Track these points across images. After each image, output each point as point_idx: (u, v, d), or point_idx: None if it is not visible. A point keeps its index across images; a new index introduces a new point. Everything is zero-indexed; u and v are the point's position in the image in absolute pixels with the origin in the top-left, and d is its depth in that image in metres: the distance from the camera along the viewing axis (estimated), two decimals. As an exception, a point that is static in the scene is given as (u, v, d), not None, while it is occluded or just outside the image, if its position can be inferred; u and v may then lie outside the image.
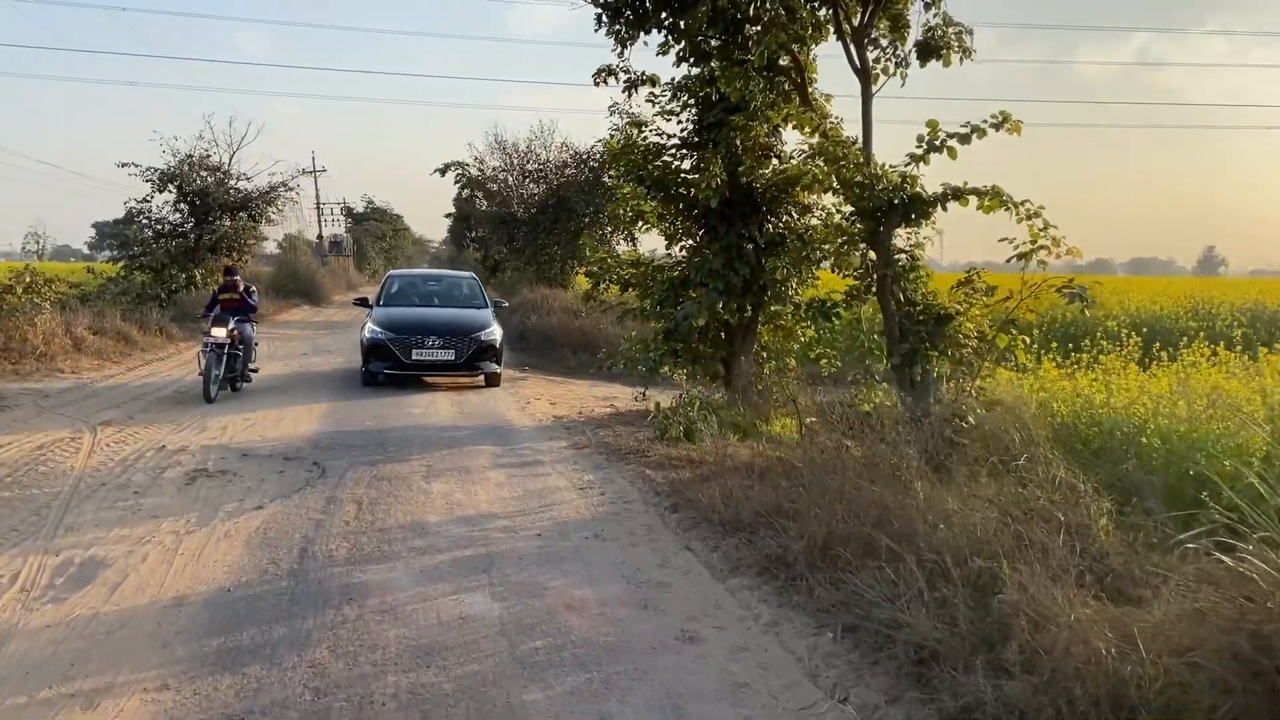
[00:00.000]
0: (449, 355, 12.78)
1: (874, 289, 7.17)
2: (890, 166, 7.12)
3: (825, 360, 11.23)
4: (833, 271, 10.93)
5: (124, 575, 5.02)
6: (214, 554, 5.40)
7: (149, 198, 23.90)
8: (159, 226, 24.06)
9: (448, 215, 38.40)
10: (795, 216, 10.89)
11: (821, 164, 8.16)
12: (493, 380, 13.32)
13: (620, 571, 5.25)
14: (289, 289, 34.27)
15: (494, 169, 30.81)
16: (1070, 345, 9.19)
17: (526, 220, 28.09)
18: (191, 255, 24.41)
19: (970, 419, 6.39)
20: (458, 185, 32.91)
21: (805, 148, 9.47)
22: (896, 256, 7.47)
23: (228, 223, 24.75)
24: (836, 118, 8.77)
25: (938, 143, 6.83)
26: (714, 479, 6.87)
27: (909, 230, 7.45)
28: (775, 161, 10.43)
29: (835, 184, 8.13)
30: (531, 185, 29.05)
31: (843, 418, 8.38)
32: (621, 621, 4.47)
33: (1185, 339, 9.05)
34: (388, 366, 12.69)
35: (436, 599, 4.72)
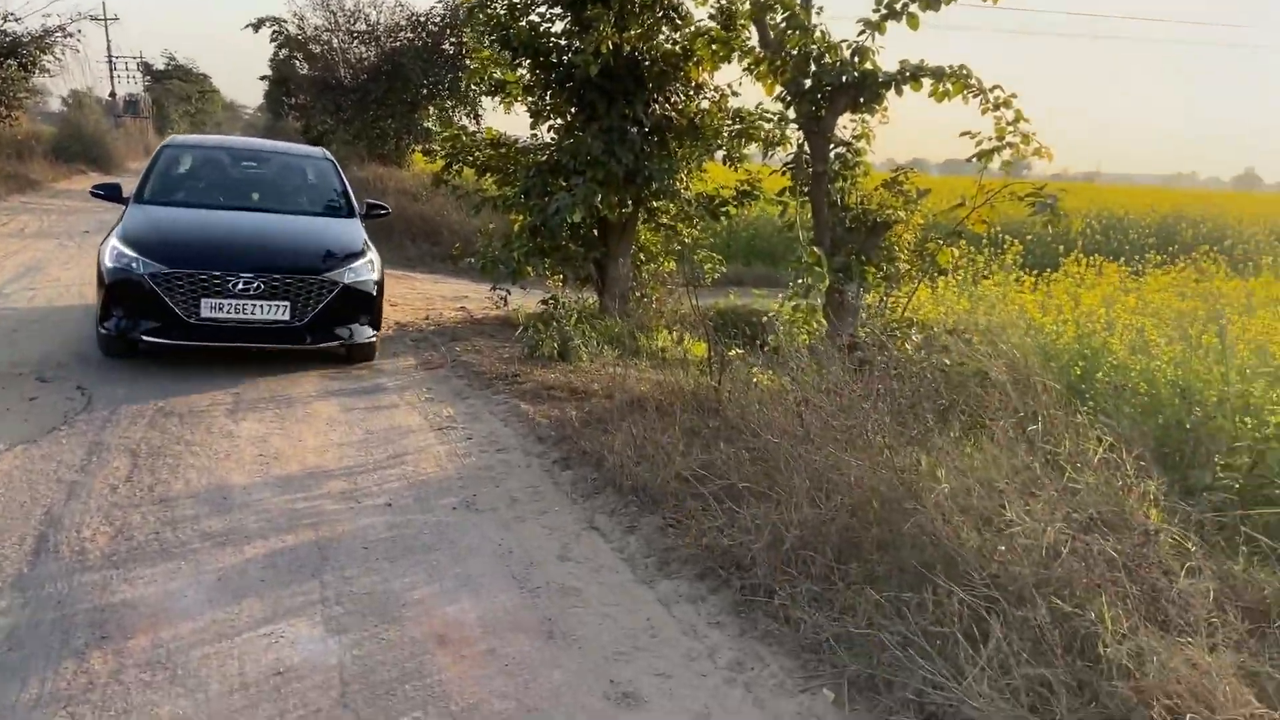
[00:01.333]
0: (277, 311, 6.47)
1: (804, 187, 5.83)
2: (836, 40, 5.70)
3: (710, 266, 9.95)
4: (724, 164, 9.59)
5: None
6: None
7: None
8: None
9: (263, 78, 34.24)
10: (684, 98, 9.38)
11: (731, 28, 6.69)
12: (361, 354, 7.20)
13: (507, 568, 3.84)
14: (73, 152, 29.80)
15: (316, 28, 27.31)
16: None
17: (355, 88, 25.04)
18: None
19: (909, 348, 5.27)
20: (274, 45, 29.15)
21: (709, 7, 7.91)
22: (836, 150, 6.14)
23: (-9, 70, 20.83)
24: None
25: (898, 6, 5.46)
26: (609, 420, 5.51)
27: (855, 118, 6.13)
28: (672, 25, 8.80)
29: (744, 56, 6.68)
30: (360, 48, 25.90)
31: (752, 342, 7.19)
32: (520, 667, 3.09)
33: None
34: (155, 328, 6.32)
35: (241, 634, 3.18)
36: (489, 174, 10.17)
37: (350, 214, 8.04)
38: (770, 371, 6.23)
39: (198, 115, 59.23)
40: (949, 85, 5.62)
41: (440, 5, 23.78)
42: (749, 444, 4.36)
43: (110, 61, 50.92)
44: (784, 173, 6.05)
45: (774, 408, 4.48)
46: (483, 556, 3.94)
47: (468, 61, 19.62)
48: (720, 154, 9.38)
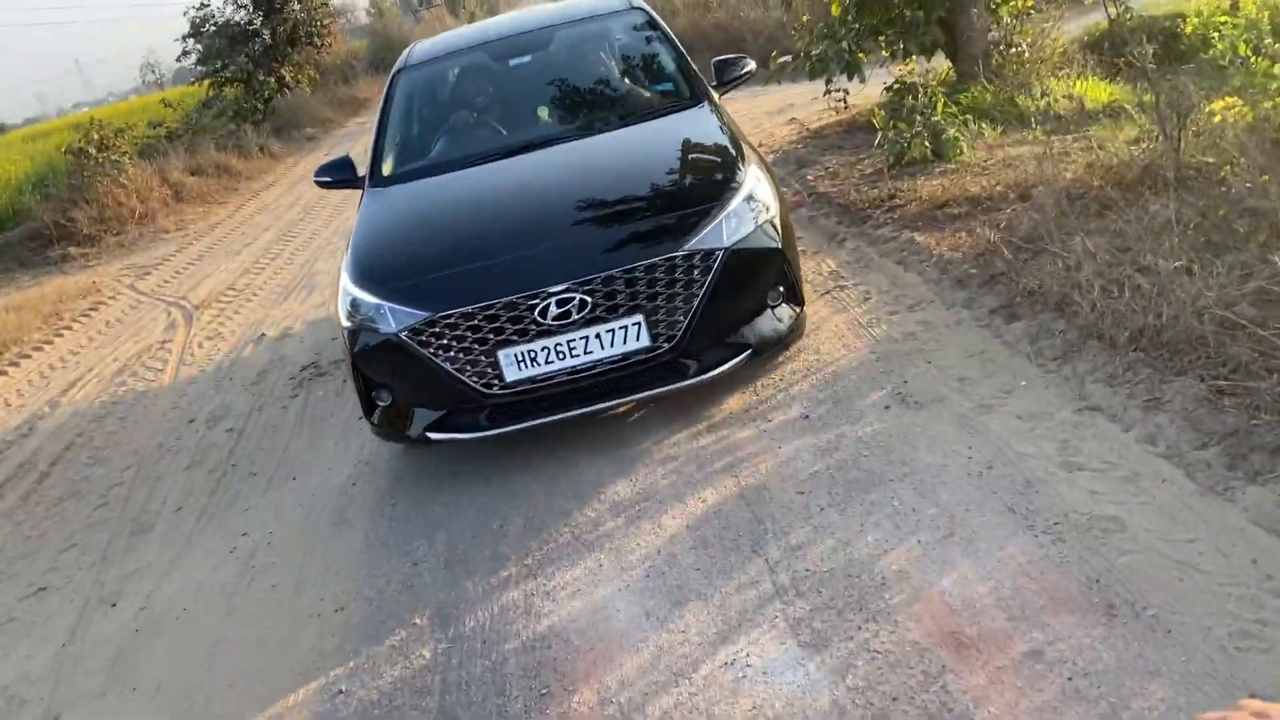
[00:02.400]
0: (627, 336, 3.47)
1: None
2: None
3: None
4: None
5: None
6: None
7: (205, 2, 21.28)
8: (229, 31, 21.57)
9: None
10: None
11: None
12: (769, 346, 3.77)
13: (994, 494, 2.84)
14: (389, 60, 31.41)
15: None
16: None
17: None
18: (271, 54, 21.99)
19: None
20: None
21: None
22: None
23: (297, 6, 21.93)
24: None
25: None
26: (1046, 235, 4.18)
27: None
28: None
29: None
30: None
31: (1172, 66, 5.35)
32: (1101, 684, 2.12)
33: None
34: (439, 420, 3.68)
35: (699, 666, 2.50)
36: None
37: (696, 98, 4.59)
38: (1241, 106, 4.49)
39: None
40: None
41: None
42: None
43: (394, -40, 52.69)
44: None
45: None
46: (954, 479, 2.96)
47: None
48: None
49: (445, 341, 3.46)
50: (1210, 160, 4.11)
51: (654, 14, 5.23)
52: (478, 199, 4.14)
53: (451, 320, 3.44)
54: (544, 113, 4.85)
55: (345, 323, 3.73)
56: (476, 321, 3.42)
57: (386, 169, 4.69)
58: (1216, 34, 7.54)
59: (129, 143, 14.39)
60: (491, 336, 3.42)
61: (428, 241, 3.94)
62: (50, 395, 6.38)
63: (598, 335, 3.43)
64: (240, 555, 3.69)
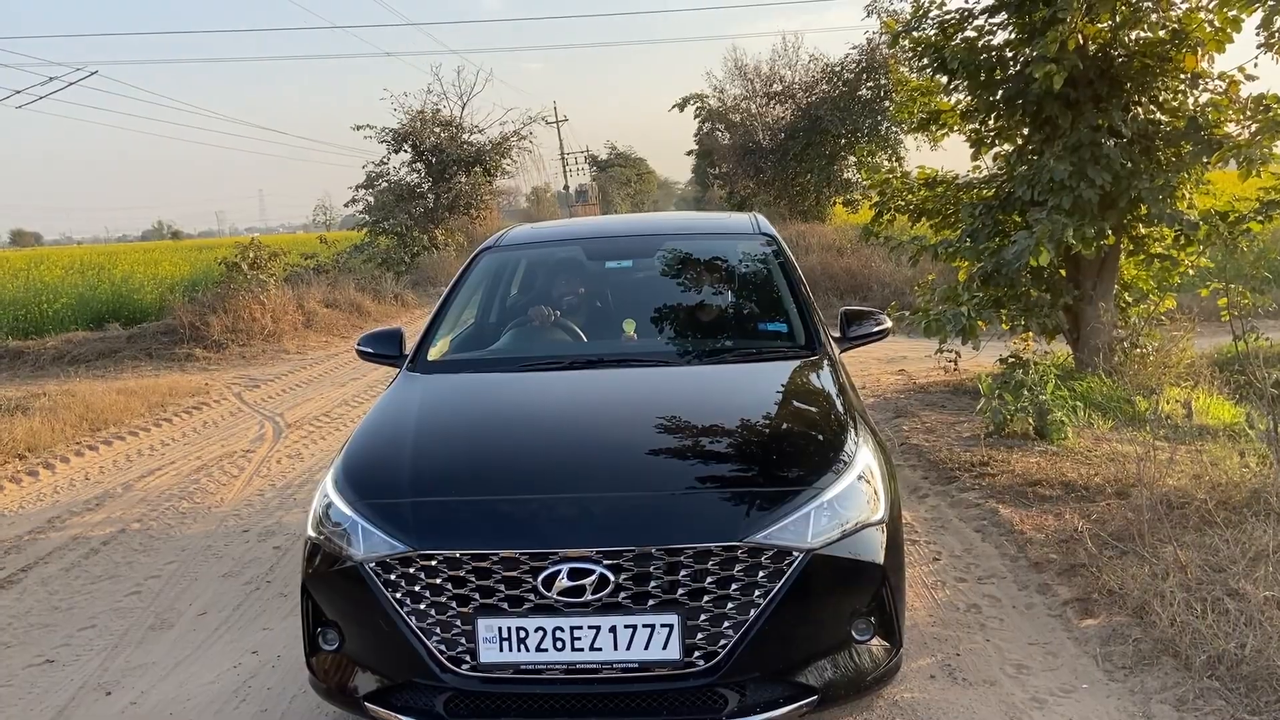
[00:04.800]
0: (650, 639, 2.54)
1: None
2: None
3: (1242, 297, 7.67)
4: (1243, 176, 7.37)
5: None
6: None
7: (385, 159, 23.32)
8: (399, 189, 23.44)
9: (689, 153, 36.06)
10: (1175, 94, 7.42)
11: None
12: (842, 694, 2.69)
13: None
14: (533, 244, 33.32)
15: (735, 97, 28.03)
16: None
17: (773, 149, 25.10)
18: (431, 216, 23.70)
19: None
20: (698, 120, 30.53)
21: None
22: None
23: (463, 179, 23.76)
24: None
25: None
26: (1137, 535, 3.96)
27: None
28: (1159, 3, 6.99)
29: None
30: (777, 108, 25.96)
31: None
32: None
33: None
34: (381, 689, 2.72)
35: None
36: (924, 218, 8.94)
37: (812, 348, 3.83)
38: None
39: (637, 195, 64.54)
40: None
41: (855, 50, 23.09)
42: None
43: (563, 158, 57.09)
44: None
45: None
46: (989, 774, 2.69)
47: (888, 102, 18.49)
48: (1233, 159, 7.23)
49: (418, 589, 2.62)
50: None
51: (782, 244, 4.54)
52: (518, 411, 3.44)
53: (433, 564, 2.62)
54: (630, 328, 4.22)
55: (310, 531, 2.92)
56: (462, 573, 2.60)
57: (434, 353, 4.04)
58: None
59: (280, 266, 15.43)
60: (475, 597, 2.59)
61: (440, 452, 3.15)
62: (128, 478, 6.59)
63: (613, 629, 2.54)
64: (242, 672, 3.60)
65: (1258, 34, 5.42)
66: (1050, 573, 3.97)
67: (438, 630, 2.59)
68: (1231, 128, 7.04)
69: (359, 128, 22.66)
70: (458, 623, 2.58)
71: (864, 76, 22.95)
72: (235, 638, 3.94)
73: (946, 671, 3.29)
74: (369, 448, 3.20)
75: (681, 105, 29.40)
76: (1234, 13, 5.58)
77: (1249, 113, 6.96)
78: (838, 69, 23.75)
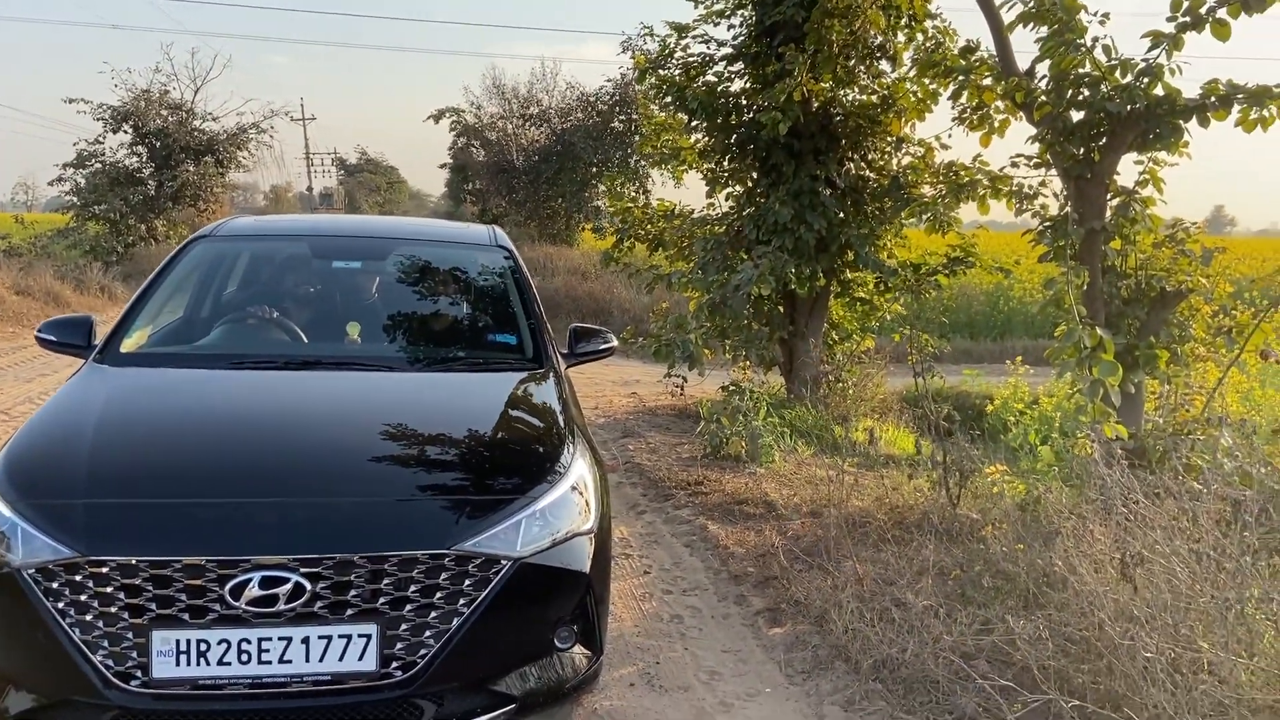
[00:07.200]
0: (347, 650, 2.44)
1: (1071, 247, 4.50)
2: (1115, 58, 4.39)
3: (925, 342, 8.57)
4: (930, 230, 8.29)
5: None
6: None
7: (101, 139, 21.14)
8: (114, 173, 21.31)
9: (442, 166, 35.53)
10: (883, 154, 8.24)
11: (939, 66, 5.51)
12: (541, 702, 2.72)
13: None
14: (269, 244, 31.41)
15: (492, 115, 27.95)
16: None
17: (527, 169, 25.26)
18: (151, 205, 21.72)
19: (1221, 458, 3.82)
20: (453, 134, 30.13)
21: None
22: (1114, 200, 4.80)
23: (191, 168, 21.99)
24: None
25: (1203, 10, 4.15)
26: (824, 551, 4.29)
27: (1141, 158, 4.78)
28: (873, 71, 7.73)
29: (966, 94, 5.41)
30: (533, 130, 26.18)
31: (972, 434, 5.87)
32: None
33: None
34: (36, 708, 2.44)
35: None
36: (662, 249, 9.33)
37: (539, 361, 3.84)
38: (1016, 481, 4.93)
39: (386, 204, 62.62)
40: (1273, 109, 4.22)
41: (609, 84, 23.76)
42: (1053, 617, 3.04)
43: (308, 158, 54.39)
44: (1041, 233, 4.74)
45: (1077, 555, 3.15)
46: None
47: (638, 135, 19.18)
48: (925, 217, 8.10)
49: (84, 598, 2.39)
50: (976, 516, 4.39)
51: (519, 259, 4.49)
52: (220, 409, 3.21)
53: (104, 571, 2.39)
54: (354, 331, 4.04)
55: None
56: (138, 581, 2.38)
57: (129, 345, 3.65)
58: (1015, 419, 8.39)
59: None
60: (152, 608, 2.38)
61: (122, 450, 2.86)
62: None
63: (305, 639, 2.41)
64: None
65: (952, 107, 6.11)
66: (747, 585, 4.23)
67: (105, 643, 2.37)
68: (926, 189, 7.93)
69: (72, 100, 20.46)
70: (129, 635, 2.37)
71: (617, 109, 23.61)
72: None
73: (646, 679, 3.40)
74: (37, 444, 2.89)
75: (437, 117, 28.91)
76: (933, 86, 6.23)
77: (941, 176, 7.87)
78: (593, 99, 24.32)
